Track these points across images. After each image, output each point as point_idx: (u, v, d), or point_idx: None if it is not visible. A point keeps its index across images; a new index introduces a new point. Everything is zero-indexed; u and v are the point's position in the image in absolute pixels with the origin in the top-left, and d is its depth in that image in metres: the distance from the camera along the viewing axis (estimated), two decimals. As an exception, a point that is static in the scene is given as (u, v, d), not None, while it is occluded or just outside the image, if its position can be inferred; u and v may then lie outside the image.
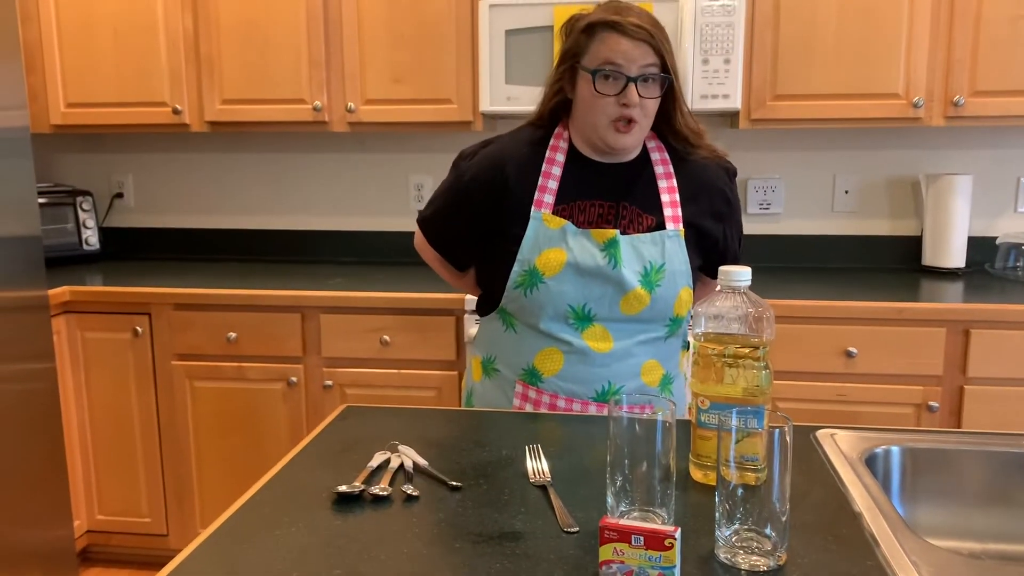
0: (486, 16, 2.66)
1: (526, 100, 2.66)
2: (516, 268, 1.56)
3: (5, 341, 2.35)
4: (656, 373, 1.61)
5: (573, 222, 1.55)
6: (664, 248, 1.55)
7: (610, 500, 1.04)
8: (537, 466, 1.25)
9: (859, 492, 1.15)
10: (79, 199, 3.28)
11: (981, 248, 3.01)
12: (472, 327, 2.55)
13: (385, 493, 1.15)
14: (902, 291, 2.64)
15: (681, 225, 1.57)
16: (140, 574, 2.94)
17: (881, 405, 2.48)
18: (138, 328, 2.76)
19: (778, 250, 3.14)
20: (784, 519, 0.95)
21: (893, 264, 3.10)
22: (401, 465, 1.26)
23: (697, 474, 1.20)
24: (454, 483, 1.19)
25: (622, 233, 1.54)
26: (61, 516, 2.57)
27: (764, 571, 0.95)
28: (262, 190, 3.41)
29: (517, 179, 1.58)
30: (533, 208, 1.56)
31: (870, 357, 2.46)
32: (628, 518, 1.01)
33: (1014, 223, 3.04)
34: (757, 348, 1.14)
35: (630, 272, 1.53)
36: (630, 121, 1.50)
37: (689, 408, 1.32)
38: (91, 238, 3.31)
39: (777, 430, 0.93)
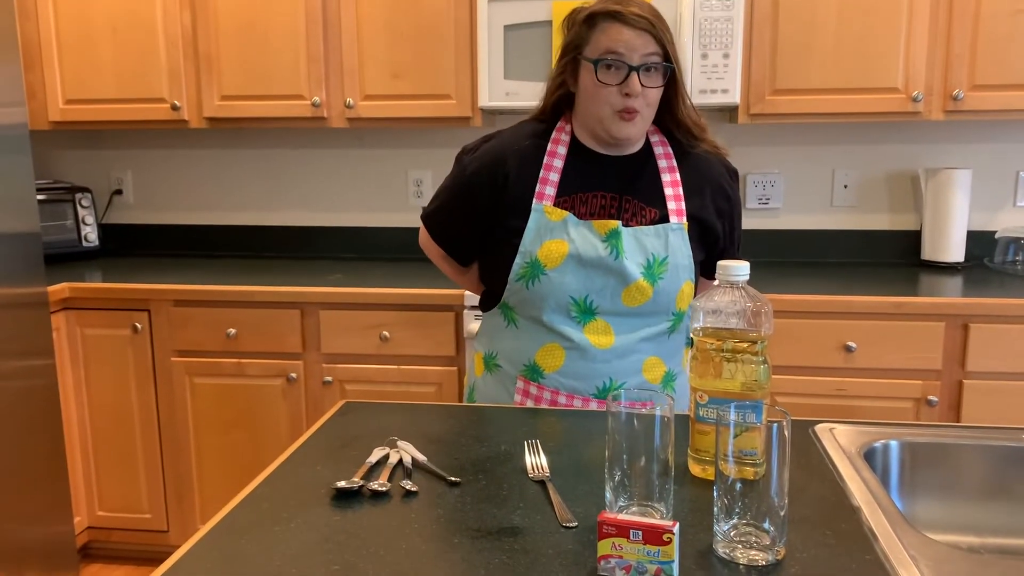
0: (485, 11, 2.66)
1: (525, 95, 2.66)
2: (518, 260, 1.56)
3: (5, 338, 2.35)
4: (658, 370, 1.61)
5: (575, 214, 1.55)
6: (667, 241, 1.55)
7: (608, 495, 1.04)
8: (536, 461, 1.25)
9: (858, 486, 1.15)
10: (78, 196, 3.28)
11: (980, 242, 3.01)
12: (471, 323, 2.55)
13: (384, 489, 1.15)
14: (901, 285, 2.64)
15: (684, 218, 1.57)
16: (140, 570, 2.95)
17: (880, 399, 2.48)
18: (137, 324, 2.76)
19: (777, 245, 3.14)
20: (783, 514, 0.95)
21: (892, 259, 3.10)
22: (400, 461, 1.26)
23: (696, 469, 1.20)
24: (453, 479, 1.19)
25: (625, 225, 1.54)
26: (61, 512, 2.57)
27: (763, 566, 0.95)
28: (261, 186, 3.41)
29: (519, 172, 1.58)
30: (535, 200, 1.56)
31: (869, 351, 2.46)
32: (627, 513, 1.01)
33: (1013, 217, 3.04)
34: (755, 343, 1.15)
35: (632, 264, 1.53)
36: (632, 111, 1.50)
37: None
38: (90, 235, 3.31)
39: (775, 424, 0.93)
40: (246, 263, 3.21)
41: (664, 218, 1.57)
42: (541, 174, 1.57)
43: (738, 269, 1.16)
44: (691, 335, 1.20)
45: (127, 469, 2.87)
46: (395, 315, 2.65)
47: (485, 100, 2.71)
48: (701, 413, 1.18)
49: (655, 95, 1.52)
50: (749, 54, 2.69)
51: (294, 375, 2.71)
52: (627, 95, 1.49)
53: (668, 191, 1.58)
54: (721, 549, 0.97)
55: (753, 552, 0.96)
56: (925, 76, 2.65)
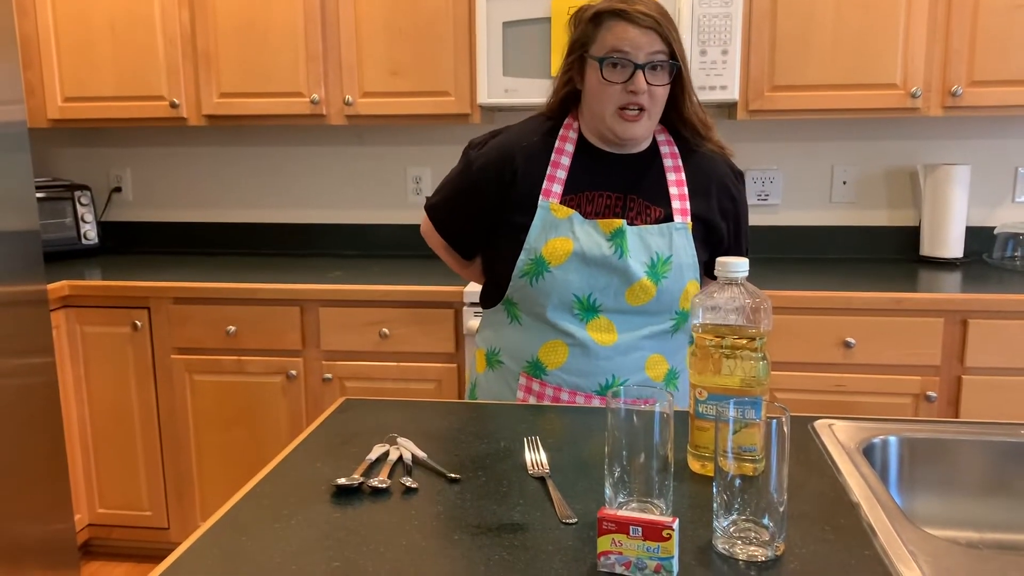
0: (483, 8, 2.66)
1: (524, 92, 2.66)
2: (522, 256, 1.56)
3: (4, 336, 2.35)
4: (661, 368, 1.61)
5: (581, 212, 1.55)
6: (671, 240, 1.55)
7: (608, 491, 1.05)
8: (536, 458, 1.25)
9: (857, 482, 1.15)
10: (77, 193, 3.28)
11: (979, 238, 3.01)
12: (471, 320, 2.56)
13: (384, 485, 1.15)
14: (900, 281, 2.64)
15: (689, 218, 1.58)
16: (141, 567, 2.95)
17: (879, 395, 2.48)
18: (137, 322, 2.76)
19: (776, 241, 3.14)
20: (782, 509, 0.95)
21: (891, 254, 3.10)
22: (400, 457, 1.27)
23: (695, 465, 1.21)
24: (453, 475, 1.19)
25: (629, 224, 1.55)
26: (62, 510, 2.58)
27: (762, 561, 0.95)
28: (260, 184, 3.41)
29: (526, 169, 1.58)
30: (541, 197, 1.56)
31: (868, 347, 2.47)
32: (626, 509, 1.01)
33: (1012, 213, 3.04)
34: (754, 339, 1.15)
35: (636, 263, 1.53)
36: (640, 109, 1.50)
37: None
38: (89, 232, 3.31)
39: (775, 421, 0.93)
40: (245, 260, 3.20)
41: (668, 217, 1.57)
42: (548, 171, 1.57)
43: (737, 265, 1.16)
44: (691, 331, 1.20)
45: (127, 466, 2.87)
46: (395, 312, 2.65)
47: (484, 97, 2.71)
48: (700, 409, 1.18)
49: (661, 94, 1.52)
50: (748, 50, 2.69)
51: (294, 372, 2.72)
52: (632, 93, 1.49)
53: (673, 190, 1.59)
54: (720, 545, 0.98)
55: (752, 548, 0.96)
56: (924, 72, 2.64)
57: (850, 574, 0.93)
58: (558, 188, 1.56)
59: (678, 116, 1.60)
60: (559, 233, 1.54)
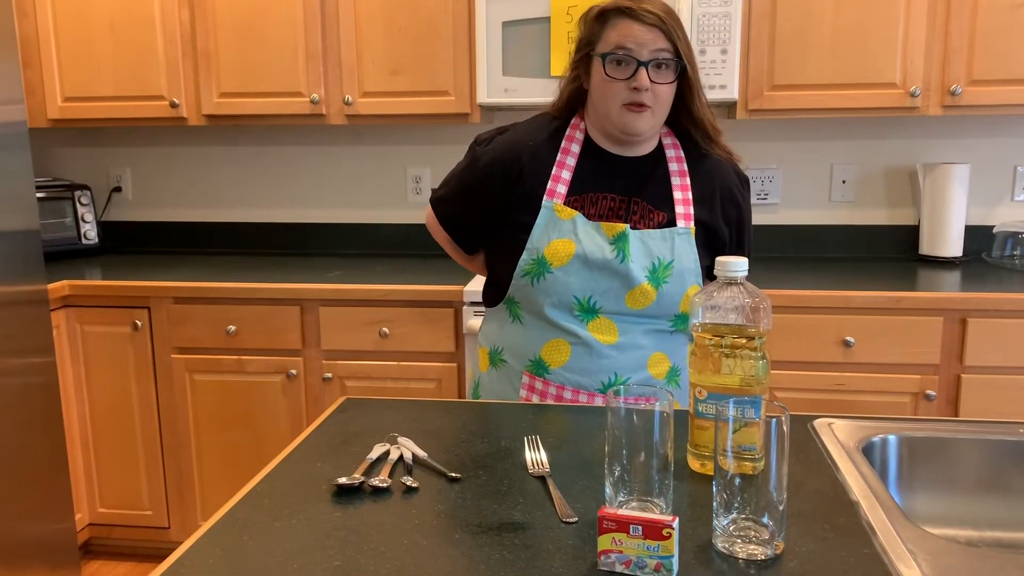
0: (483, 7, 2.66)
1: (523, 92, 2.67)
2: (524, 256, 1.56)
3: (5, 336, 2.35)
4: (663, 366, 1.61)
5: (584, 214, 1.55)
6: (673, 245, 1.55)
7: (608, 490, 1.05)
8: (536, 457, 1.25)
9: (856, 481, 1.16)
10: (77, 193, 3.28)
11: (978, 237, 3.01)
12: (471, 319, 2.56)
13: (385, 485, 1.16)
14: (899, 280, 2.64)
15: (692, 223, 1.58)
16: (142, 566, 2.95)
17: (878, 394, 2.49)
18: (137, 322, 2.76)
19: (776, 240, 3.14)
20: (781, 508, 0.96)
21: (890, 253, 3.10)
22: (400, 457, 1.27)
23: (695, 464, 1.21)
24: (453, 474, 1.20)
25: (632, 228, 1.55)
26: (62, 509, 2.58)
27: (761, 560, 0.95)
28: (260, 183, 3.41)
29: (531, 168, 1.58)
30: (545, 197, 1.56)
31: (868, 346, 2.47)
32: (626, 508, 1.01)
33: (1011, 212, 3.04)
34: (754, 338, 1.15)
35: (638, 267, 1.53)
36: (641, 105, 1.51)
37: None
38: (90, 232, 3.31)
39: (774, 420, 0.93)
40: (245, 260, 3.21)
41: (671, 222, 1.57)
42: (553, 171, 1.58)
43: (736, 265, 1.16)
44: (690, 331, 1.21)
45: (128, 466, 2.87)
46: (395, 311, 2.65)
47: (484, 97, 2.71)
48: (700, 409, 1.18)
49: (666, 92, 1.52)
50: (747, 50, 2.70)
51: (294, 372, 2.72)
52: (635, 90, 1.49)
53: (677, 195, 1.59)
54: (720, 544, 0.98)
55: (752, 546, 0.96)
56: (923, 71, 2.65)
57: (849, 573, 0.93)
58: (562, 188, 1.57)
59: (688, 116, 1.59)
60: (562, 234, 1.54)
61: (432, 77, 2.84)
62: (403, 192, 3.33)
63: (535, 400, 1.60)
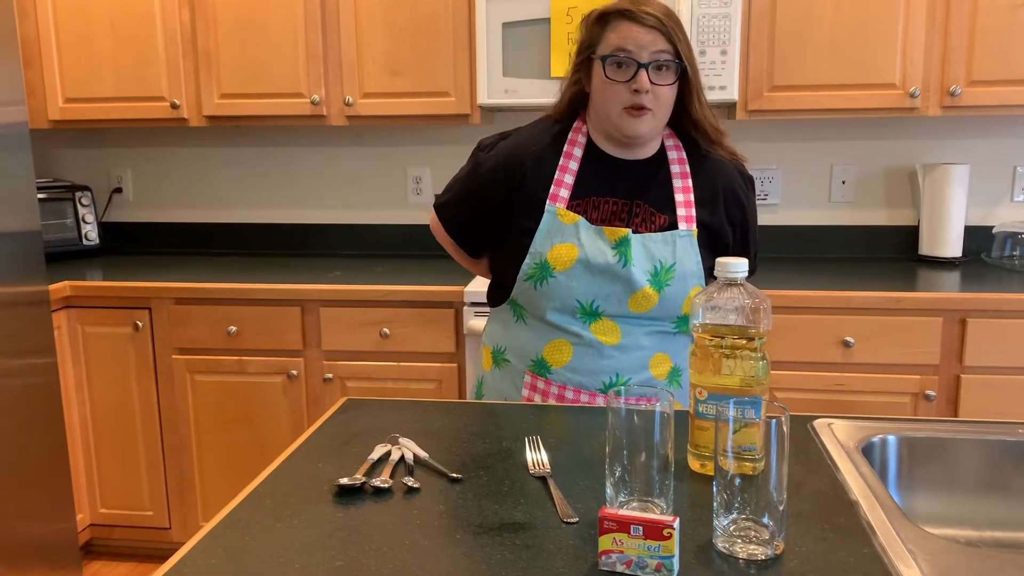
0: (483, 8, 2.66)
1: (523, 93, 2.67)
2: (527, 260, 1.56)
3: (6, 336, 2.35)
4: (665, 366, 1.62)
5: (586, 218, 1.56)
6: (675, 248, 1.56)
7: (609, 491, 1.05)
8: (537, 457, 1.26)
9: (856, 481, 1.16)
10: (78, 194, 3.28)
11: (978, 237, 3.02)
12: (472, 319, 2.56)
13: (386, 485, 1.16)
14: (899, 281, 2.64)
15: (694, 225, 1.58)
16: (143, 567, 2.96)
17: (878, 394, 2.49)
18: (138, 322, 2.77)
19: (775, 241, 3.14)
20: (781, 508, 0.96)
21: (890, 254, 3.11)
22: (402, 457, 1.27)
23: (695, 464, 1.21)
24: (454, 475, 1.20)
25: (634, 231, 1.55)
26: (64, 510, 2.58)
27: (762, 560, 0.96)
28: (261, 184, 3.41)
29: (534, 173, 1.59)
30: (548, 202, 1.56)
31: (867, 347, 2.47)
32: (627, 508, 1.02)
33: (1010, 212, 3.05)
34: (754, 339, 1.15)
35: (640, 271, 1.53)
36: (641, 108, 1.51)
37: None
38: (90, 233, 3.31)
39: (774, 420, 0.94)
40: (246, 261, 3.21)
41: (673, 224, 1.57)
42: (556, 176, 1.58)
43: (736, 266, 1.17)
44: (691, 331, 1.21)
45: (129, 467, 2.88)
46: (395, 312, 2.65)
47: (484, 98, 2.72)
48: (700, 409, 1.18)
49: (666, 94, 1.53)
50: (747, 50, 2.70)
51: (295, 372, 2.72)
52: (635, 91, 1.49)
53: (679, 197, 1.59)
54: (721, 544, 0.98)
55: (752, 547, 0.96)
56: (922, 72, 2.65)
57: (849, 572, 0.93)
58: (565, 193, 1.57)
59: (688, 118, 1.60)
60: (564, 239, 1.55)
61: (432, 78, 2.84)
62: (403, 193, 3.33)
63: (537, 400, 1.60)
